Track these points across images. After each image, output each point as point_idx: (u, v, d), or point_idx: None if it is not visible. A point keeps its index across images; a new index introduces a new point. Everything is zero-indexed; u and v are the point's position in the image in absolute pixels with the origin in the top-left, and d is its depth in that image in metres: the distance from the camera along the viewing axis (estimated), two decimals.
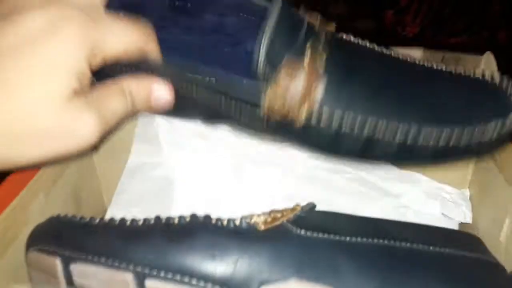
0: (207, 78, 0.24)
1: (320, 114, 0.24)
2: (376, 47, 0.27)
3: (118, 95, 0.24)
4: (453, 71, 0.26)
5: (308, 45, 0.24)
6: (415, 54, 0.42)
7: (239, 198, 0.32)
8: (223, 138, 0.33)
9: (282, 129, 0.25)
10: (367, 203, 0.33)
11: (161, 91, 0.25)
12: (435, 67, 0.27)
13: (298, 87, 0.23)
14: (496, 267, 0.26)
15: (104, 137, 0.23)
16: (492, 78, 0.26)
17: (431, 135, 0.24)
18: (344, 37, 0.27)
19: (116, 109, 0.24)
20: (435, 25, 0.88)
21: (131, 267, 0.21)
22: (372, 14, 1.02)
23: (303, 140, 0.26)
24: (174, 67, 0.25)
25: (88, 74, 0.22)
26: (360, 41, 0.27)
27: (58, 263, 0.22)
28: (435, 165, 0.28)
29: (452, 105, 0.25)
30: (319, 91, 0.23)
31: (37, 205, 0.27)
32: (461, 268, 0.24)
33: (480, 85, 0.26)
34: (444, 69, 0.27)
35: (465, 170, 0.34)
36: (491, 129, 0.24)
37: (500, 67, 0.88)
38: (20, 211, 0.25)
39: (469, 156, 0.28)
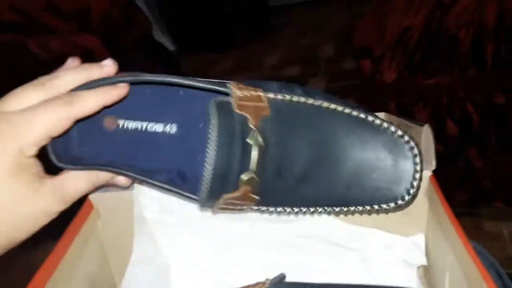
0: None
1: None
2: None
3: (83, 180, 0.32)
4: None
5: (241, 181, 0.32)
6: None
7: (225, 273, 0.38)
8: (208, 225, 0.39)
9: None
10: (336, 260, 0.38)
11: (121, 180, 0.35)
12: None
13: (235, 205, 0.33)
14: None
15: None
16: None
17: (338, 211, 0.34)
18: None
19: (78, 190, 0.32)
20: (410, 69, 0.95)
21: None
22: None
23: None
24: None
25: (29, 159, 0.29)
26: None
27: None
28: None
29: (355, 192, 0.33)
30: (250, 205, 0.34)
31: None
32: None
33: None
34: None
35: (420, 224, 0.39)
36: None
37: (472, 101, 0.95)
38: None
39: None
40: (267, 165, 0.32)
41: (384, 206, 0.33)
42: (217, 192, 0.31)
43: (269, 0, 2.83)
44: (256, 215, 0.37)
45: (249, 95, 0.31)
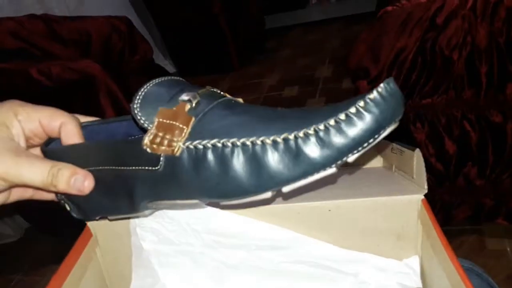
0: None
1: (189, 147, 0.30)
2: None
3: (41, 170, 0.33)
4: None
5: (181, 99, 0.31)
6: None
7: None
8: (206, 253, 0.39)
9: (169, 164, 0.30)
10: (331, 286, 0.39)
11: (80, 176, 0.34)
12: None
13: (169, 129, 0.30)
14: None
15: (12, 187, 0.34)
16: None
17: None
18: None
19: (32, 178, 0.33)
20: (406, 89, 0.96)
21: None
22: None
23: (186, 174, 0.30)
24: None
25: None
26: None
27: None
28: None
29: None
30: (186, 131, 0.30)
31: None
32: None
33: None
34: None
35: (414, 248, 0.40)
36: None
37: (469, 120, 0.95)
38: None
39: None
40: (213, 100, 0.32)
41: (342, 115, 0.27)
42: (153, 100, 0.30)
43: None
44: (252, 242, 0.38)
45: None
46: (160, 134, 0.30)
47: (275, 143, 0.28)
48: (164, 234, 0.38)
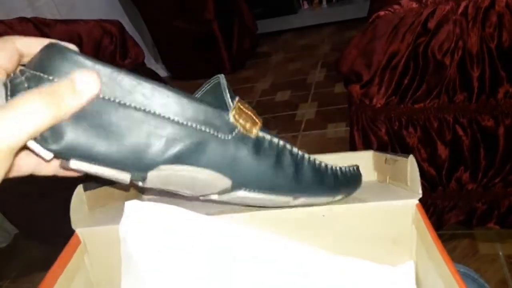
0: None
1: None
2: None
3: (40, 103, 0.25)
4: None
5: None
6: (365, 155, 0.49)
7: None
8: (196, 264, 0.38)
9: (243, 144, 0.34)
10: None
11: (85, 77, 0.27)
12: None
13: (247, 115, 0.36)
14: None
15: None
16: None
17: None
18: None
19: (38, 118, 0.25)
20: (398, 94, 0.96)
21: None
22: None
23: (256, 157, 0.35)
24: None
25: None
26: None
27: None
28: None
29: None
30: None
31: None
32: None
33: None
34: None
35: (409, 253, 0.39)
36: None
37: (461, 124, 0.95)
38: None
39: None
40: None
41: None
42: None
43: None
44: (245, 252, 0.37)
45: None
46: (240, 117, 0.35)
47: None
48: (154, 243, 0.38)
